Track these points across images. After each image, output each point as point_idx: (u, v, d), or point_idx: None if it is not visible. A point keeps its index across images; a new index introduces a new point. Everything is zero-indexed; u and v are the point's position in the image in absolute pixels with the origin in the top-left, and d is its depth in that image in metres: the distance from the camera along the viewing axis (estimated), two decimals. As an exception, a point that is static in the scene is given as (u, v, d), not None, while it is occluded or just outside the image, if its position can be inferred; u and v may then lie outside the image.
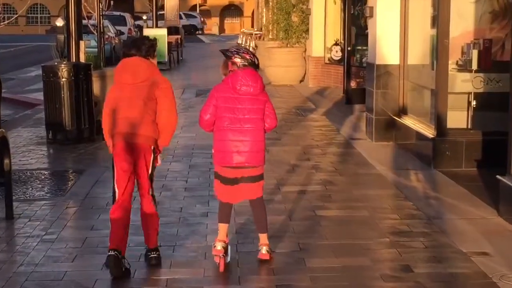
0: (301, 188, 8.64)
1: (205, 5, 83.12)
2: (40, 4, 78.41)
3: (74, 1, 12.08)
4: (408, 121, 10.88)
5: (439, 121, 9.67)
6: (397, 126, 11.18)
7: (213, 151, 6.13)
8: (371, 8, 11.73)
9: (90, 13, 19.06)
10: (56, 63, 12.05)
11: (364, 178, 9.19)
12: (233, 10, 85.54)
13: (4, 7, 66.29)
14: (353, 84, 15.96)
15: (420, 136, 10.15)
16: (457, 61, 10.29)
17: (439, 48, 9.67)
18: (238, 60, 6.03)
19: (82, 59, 12.27)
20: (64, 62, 12.01)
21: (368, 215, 7.47)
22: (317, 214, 7.52)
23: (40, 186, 8.87)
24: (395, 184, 8.84)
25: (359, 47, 17.54)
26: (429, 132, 9.92)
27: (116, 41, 32.49)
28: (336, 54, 19.36)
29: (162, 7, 47.06)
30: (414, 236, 6.78)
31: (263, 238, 6.20)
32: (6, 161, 7.45)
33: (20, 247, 6.57)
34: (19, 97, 18.99)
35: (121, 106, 6.08)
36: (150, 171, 6.13)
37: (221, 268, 5.97)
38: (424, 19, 11.15)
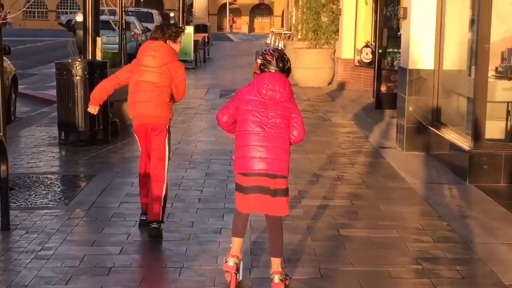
0: (325, 202, 7.95)
1: (235, 4, 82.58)
2: None
3: (91, -6, 11.49)
4: (442, 130, 10.14)
5: (477, 132, 8.94)
6: (430, 135, 10.45)
7: (233, 158, 5.55)
8: (405, 9, 11.00)
9: (113, 9, 18.45)
10: (70, 60, 11.44)
11: (394, 192, 8.47)
12: (263, 9, 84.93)
13: (35, 2, 66.09)
14: (383, 88, 15.22)
15: (455, 147, 9.41)
16: (496, 68, 9.55)
17: (478, 53, 8.93)
18: (259, 61, 5.50)
19: (99, 56, 11.67)
20: (79, 60, 11.41)
21: (398, 237, 6.75)
22: (341, 234, 6.82)
23: (44, 192, 8.24)
24: (427, 200, 8.11)
25: (391, 50, 16.82)
26: (465, 143, 9.19)
27: (143, 38, 31.96)
28: (366, 56, 18.64)
29: (191, 5, 46.60)
30: (450, 263, 6.05)
31: (276, 264, 5.46)
32: (3, 167, 6.81)
33: (11, 265, 5.93)
34: (37, 93, 18.45)
35: (139, 90, 6.67)
36: (167, 151, 6.73)
37: (233, 287, 5.41)
38: (462, 22, 10.41)
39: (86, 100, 10.86)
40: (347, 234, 6.80)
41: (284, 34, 36.21)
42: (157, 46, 6.72)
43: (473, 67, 9.76)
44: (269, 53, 5.48)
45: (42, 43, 43.01)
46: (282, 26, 62.88)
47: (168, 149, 6.77)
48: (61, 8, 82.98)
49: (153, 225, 6.59)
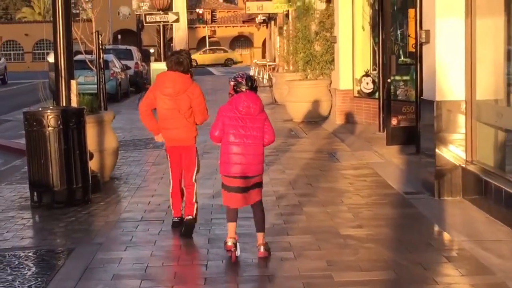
0: (363, 275, 6.32)
1: (214, 37, 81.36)
2: (46, 40, 76.56)
3: (63, 31, 9.92)
4: (483, 172, 8.59)
5: (534, 175, 7.41)
6: (467, 177, 8.90)
7: (219, 163, 6.89)
8: (427, 32, 9.49)
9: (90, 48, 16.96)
10: (40, 109, 9.78)
11: (443, 256, 6.84)
12: (243, 41, 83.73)
13: (10, 43, 64.40)
14: (394, 121, 13.66)
15: (505, 193, 7.84)
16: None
17: (531, 80, 7.41)
18: (232, 83, 6.85)
19: (74, 102, 10.07)
20: (51, 107, 9.80)
21: (472, 327, 5.16)
22: (398, 326, 5.22)
23: (10, 278, 6.56)
24: (487, 264, 6.53)
25: (393, 78, 15.38)
26: (518, 188, 7.63)
27: (122, 77, 30.44)
28: (367, 86, 17.11)
29: (170, 40, 45.30)
30: None
31: (260, 237, 6.87)
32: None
33: None
34: (9, 143, 16.79)
35: (165, 118, 7.85)
36: (196, 164, 7.96)
37: (233, 259, 6.73)
38: (496, 42, 8.91)
39: (61, 154, 9.33)
40: (406, 326, 5.21)
41: (268, 65, 34.79)
42: (175, 77, 7.74)
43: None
44: (239, 76, 6.86)
45: (17, 85, 41.28)
46: (263, 57, 61.58)
47: (197, 163, 8.00)
48: (37, 49, 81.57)
49: (188, 217, 7.82)
